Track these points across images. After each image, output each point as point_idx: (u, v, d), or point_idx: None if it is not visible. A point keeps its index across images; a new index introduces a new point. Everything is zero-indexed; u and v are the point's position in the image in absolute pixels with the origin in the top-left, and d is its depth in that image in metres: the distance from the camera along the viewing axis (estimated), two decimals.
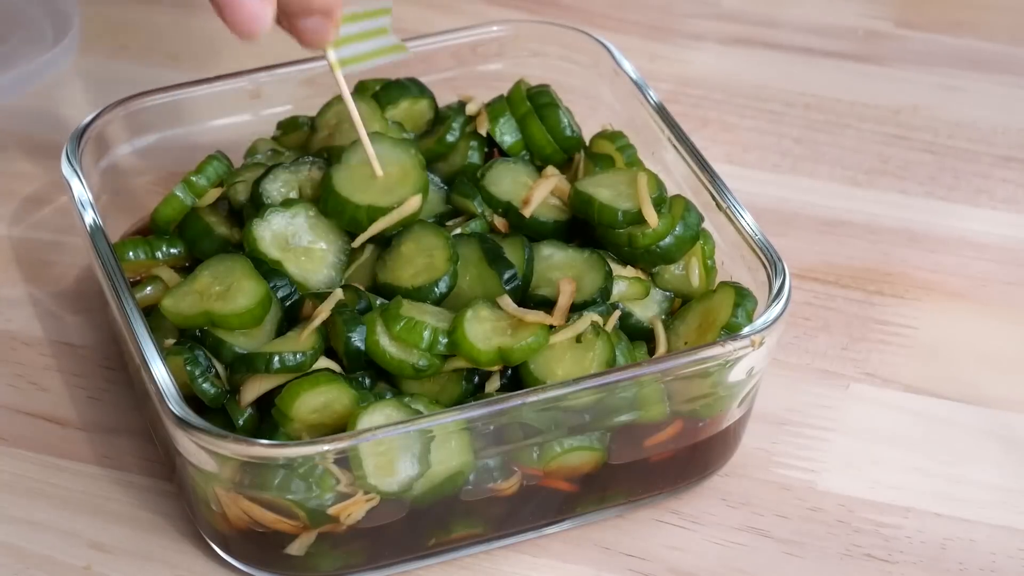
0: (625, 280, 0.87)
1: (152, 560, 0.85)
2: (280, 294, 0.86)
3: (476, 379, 0.84)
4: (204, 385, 0.83)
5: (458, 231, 0.88)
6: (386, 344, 0.83)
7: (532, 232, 0.89)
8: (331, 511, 0.80)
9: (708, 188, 0.90)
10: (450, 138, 0.95)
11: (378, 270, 0.87)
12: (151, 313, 0.86)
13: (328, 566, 0.83)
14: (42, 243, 1.02)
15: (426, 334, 0.82)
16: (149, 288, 0.89)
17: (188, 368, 0.82)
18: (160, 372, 0.80)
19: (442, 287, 0.85)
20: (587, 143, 0.95)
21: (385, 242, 0.88)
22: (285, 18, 0.81)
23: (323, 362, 0.83)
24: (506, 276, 0.85)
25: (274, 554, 0.82)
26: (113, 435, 0.91)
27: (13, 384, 0.94)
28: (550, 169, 0.92)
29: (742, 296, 0.85)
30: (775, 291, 0.84)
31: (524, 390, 0.80)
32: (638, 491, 0.87)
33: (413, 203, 0.86)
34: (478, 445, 0.80)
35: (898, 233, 1.04)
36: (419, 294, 0.85)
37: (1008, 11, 1.22)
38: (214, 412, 0.83)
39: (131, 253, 0.89)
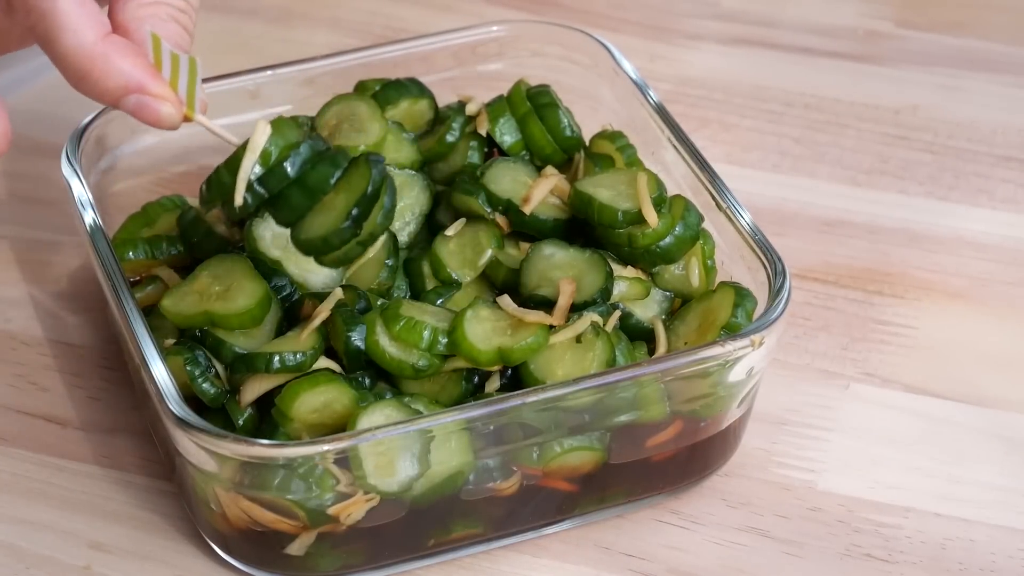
0: (625, 280, 0.87)
1: (152, 560, 0.85)
2: (280, 294, 0.86)
3: (476, 379, 0.84)
4: (204, 385, 0.83)
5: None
6: (386, 344, 0.83)
7: (532, 230, 0.90)
8: (331, 511, 0.80)
9: (708, 188, 0.90)
10: (450, 138, 0.95)
11: None
12: (151, 313, 0.86)
13: (328, 566, 0.83)
14: (42, 243, 1.02)
15: (426, 334, 0.82)
16: (149, 288, 0.89)
17: (188, 368, 0.82)
18: (160, 372, 0.80)
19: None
20: (587, 143, 0.95)
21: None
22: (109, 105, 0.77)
23: (323, 362, 0.83)
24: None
25: (274, 554, 0.82)
26: (112, 435, 0.91)
27: (13, 384, 0.94)
28: (549, 169, 0.92)
29: (742, 296, 0.85)
30: (775, 291, 0.84)
31: (524, 390, 0.80)
32: (638, 491, 0.87)
33: None
34: (478, 445, 0.80)
35: (898, 233, 1.04)
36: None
37: (1008, 11, 1.22)
38: (214, 412, 0.83)
39: (131, 253, 0.89)
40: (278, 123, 0.79)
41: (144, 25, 0.77)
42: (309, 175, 0.79)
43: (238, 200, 0.79)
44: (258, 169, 0.79)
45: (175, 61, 0.77)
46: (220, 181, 0.79)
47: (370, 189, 0.79)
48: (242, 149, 0.79)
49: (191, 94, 0.78)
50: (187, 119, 0.78)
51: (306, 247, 0.81)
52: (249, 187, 0.79)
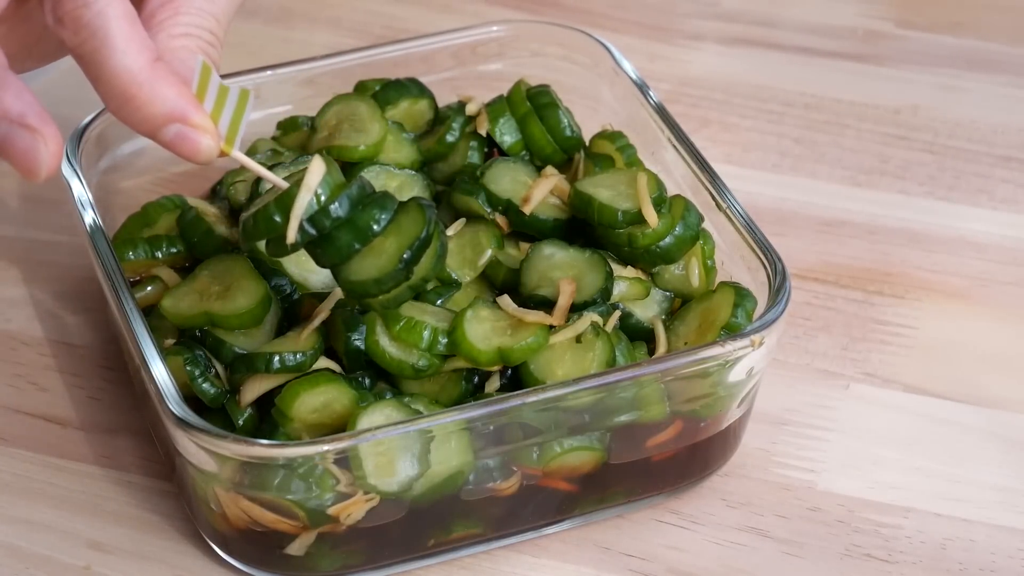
0: (625, 280, 0.87)
1: (152, 560, 0.85)
2: (280, 294, 0.86)
3: (476, 379, 0.84)
4: (204, 385, 0.83)
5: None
6: (386, 344, 0.83)
7: (532, 230, 0.90)
8: (331, 511, 0.80)
9: (708, 188, 0.90)
10: (450, 138, 0.95)
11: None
12: (151, 313, 0.86)
13: (328, 566, 0.83)
14: (42, 243, 1.02)
15: (426, 334, 0.82)
16: (149, 288, 0.89)
17: (188, 368, 0.82)
18: (160, 372, 0.80)
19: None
20: (587, 143, 0.95)
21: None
22: (147, 135, 0.75)
23: (323, 362, 0.83)
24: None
25: (274, 554, 0.82)
26: (112, 435, 0.91)
27: (13, 384, 0.94)
28: (549, 169, 0.92)
29: (742, 296, 0.85)
30: (775, 291, 0.84)
31: (524, 390, 0.80)
32: (638, 491, 0.87)
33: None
34: (478, 445, 0.80)
35: (898, 233, 1.04)
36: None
37: (1008, 11, 1.22)
38: (214, 412, 0.83)
39: (131, 253, 0.89)
40: (327, 162, 0.79)
41: (177, 55, 0.76)
42: (360, 217, 0.79)
43: (291, 238, 0.78)
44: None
45: (222, 93, 0.76)
46: (268, 218, 0.78)
47: (424, 234, 0.79)
48: (295, 187, 0.78)
49: (233, 129, 0.77)
50: (224, 154, 0.77)
51: (356, 289, 0.80)
52: (299, 226, 0.78)
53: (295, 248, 0.78)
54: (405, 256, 0.79)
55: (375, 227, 0.79)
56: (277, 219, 0.78)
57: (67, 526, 0.87)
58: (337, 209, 0.78)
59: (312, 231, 0.78)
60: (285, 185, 0.78)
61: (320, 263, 0.80)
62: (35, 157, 0.72)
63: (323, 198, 0.78)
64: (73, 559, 0.85)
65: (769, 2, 1.22)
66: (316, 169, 0.78)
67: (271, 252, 0.80)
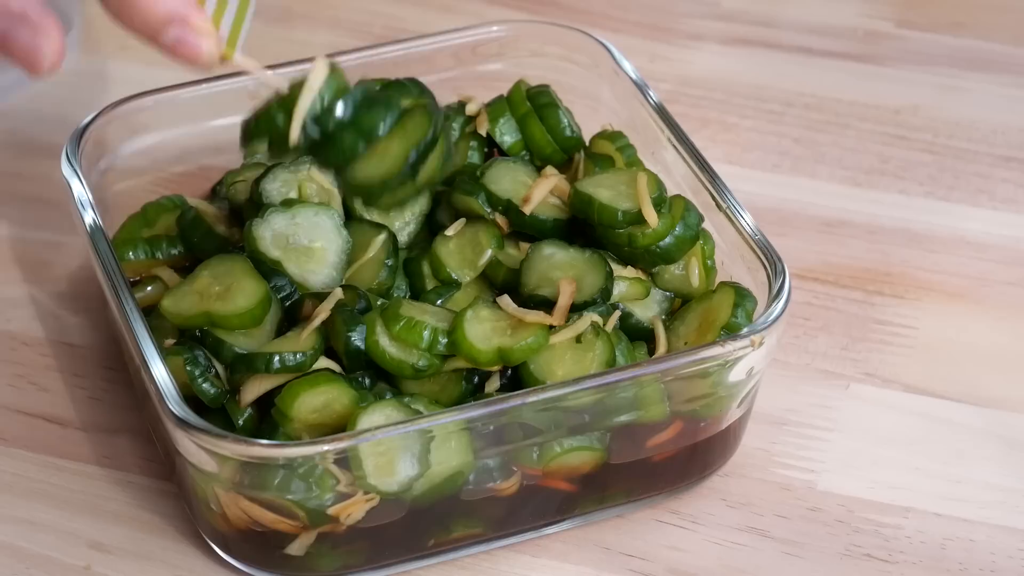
0: (625, 280, 0.87)
1: (152, 560, 0.85)
2: (280, 294, 0.86)
3: (476, 379, 0.84)
4: (204, 385, 0.83)
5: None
6: (386, 344, 0.83)
7: (532, 230, 0.90)
8: (331, 511, 0.80)
9: (708, 188, 0.90)
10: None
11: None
12: (151, 313, 0.86)
13: (328, 566, 0.83)
14: (42, 243, 1.02)
15: (426, 334, 0.82)
16: (149, 288, 0.89)
17: (188, 368, 0.82)
18: (160, 372, 0.80)
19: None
20: (587, 143, 0.95)
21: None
22: (147, 39, 0.75)
23: (323, 362, 0.83)
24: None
25: (274, 554, 0.82)
26: (113, 435, 0.91)
27: (13, 384, 0.94)
28: (549, 169, 0.92)
29: (742, 296, 0.85)
30: (775, 291, 0.84)
31: (524, 390, 0.80)
32: (638, 491, 0.87)
33: None
34: (478, 445, 0.80)
35: (898, 233, 1.04)
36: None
37: (1008, 11, 1.22)
38: (214, 412, 0.83)
39: (131, 253, 0.89)
40: (331, 65, 0.78)
41: None
42: (364, 118, 0.78)
43: (294, 139, 0.77)
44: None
45: None
46: (271, 118, 0.77)
47: (430, 135, 0.78)
48: (298, 88, 0.77)
49: (235, 33, 0.76)
50: (225, 58, 0.76)
51: (362, 191, 0.79)
52: (302, 126, 0.77)
53: (297, 149, 0.77)
54: (411, 158, 0.78)
55: (381, 128, 0.78)
56: (280, 120, 0.77)
57: (67, 526, 0.87)
58: (342, 110, 0.77)
59: (315, 132, 0.77)
60: (287, 89, 0.78)
61: (324, 165, 0.79)
62: (37, 51, 0.72)
63: (327, 100, 0.77)
64: (73, 559, 0.85)
65: (769, 2, 1.22)
66: (320, 70, 0.77)
67: (273, 154, 0.78)
